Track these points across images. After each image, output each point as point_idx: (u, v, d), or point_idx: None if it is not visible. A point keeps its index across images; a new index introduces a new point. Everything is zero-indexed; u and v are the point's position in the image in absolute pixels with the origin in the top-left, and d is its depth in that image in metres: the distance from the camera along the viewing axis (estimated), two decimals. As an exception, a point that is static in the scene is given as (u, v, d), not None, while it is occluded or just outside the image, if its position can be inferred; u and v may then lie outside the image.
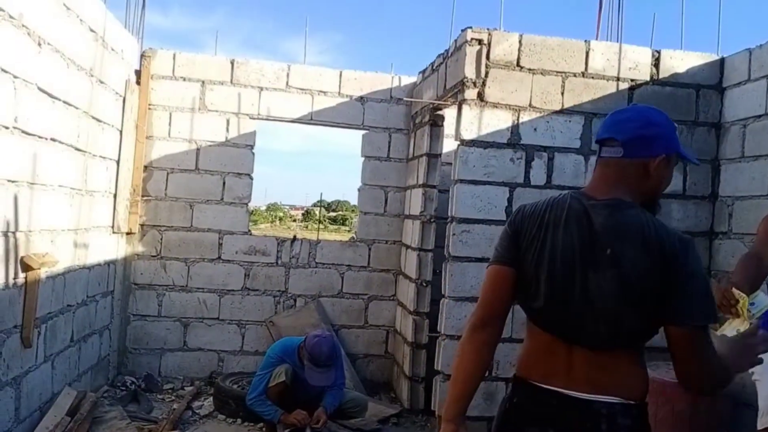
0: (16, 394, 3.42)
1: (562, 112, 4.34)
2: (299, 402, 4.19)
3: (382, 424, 4.82)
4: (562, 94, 4.35)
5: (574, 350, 1.65)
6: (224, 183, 5.83)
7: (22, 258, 3.41)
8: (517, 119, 4.28)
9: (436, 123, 5.19)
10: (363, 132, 5.99)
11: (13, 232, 3.33)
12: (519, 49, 4.25)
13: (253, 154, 5.90)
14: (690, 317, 1.54)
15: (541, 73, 4.30)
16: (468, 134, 4.19)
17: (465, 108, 4.19)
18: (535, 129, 4.28)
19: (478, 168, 4.20)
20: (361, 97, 5.93)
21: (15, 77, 3.26)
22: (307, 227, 31.90)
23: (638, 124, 1.66)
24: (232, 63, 5.82)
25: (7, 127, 3.20)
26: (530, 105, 4.30)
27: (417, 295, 5.25)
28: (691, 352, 1.56)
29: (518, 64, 4.25)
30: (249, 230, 5.99)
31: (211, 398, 4.97)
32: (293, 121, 5.93)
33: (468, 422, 4.33)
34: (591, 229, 1.63)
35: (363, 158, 6.02)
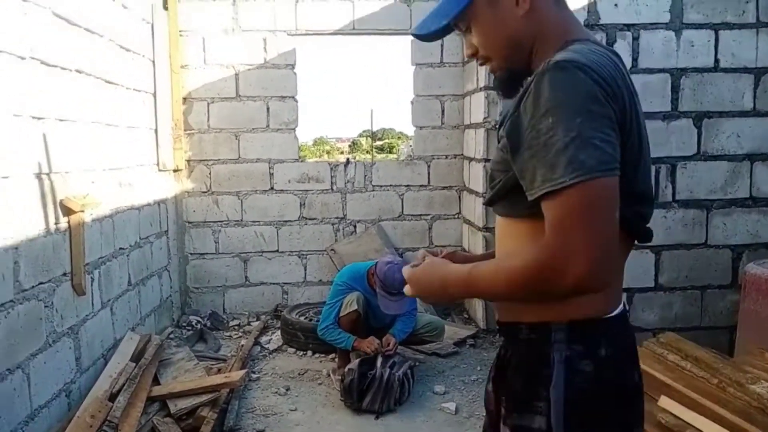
0: (74, 343, 3.25)
1: (646, -19, 3.71)
2: (372, 330, 3.97)
3: (458, 347, 4.55)
4: (646, -40, 3.71)
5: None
6: (268, 108, 5.45)
7: (61, 201, 3.16)
8: (594, -4, 3.68)
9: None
10: (412, 37, 5.43)
11: (47, 174, 3.06)
12: None
13: (295, 74, 5.47)
14: None
15: (619, -63, 3.65)
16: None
17: (531, -13, 3.60)
18: (615, 5, 3.68)
19: (550, 57, 3.65)
20: (407, -3, 5.35)
21: (23, 0, 2.89)
22: (355, 158, 31.60)
23: None
24: (263, -26, 5.30)
25: (22, 58, 2.87)
26: (608, -23, 3.68)
27: (486, 210, 4.84)
28: None
29: (591, -72, 3.62)
30: (299, 157, 5.64)
31: (279, 332, 4.79)
32: (334, 33, 5.42)
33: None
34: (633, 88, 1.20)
35: (414, 66, 5.50)
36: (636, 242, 1.25)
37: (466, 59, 5.29)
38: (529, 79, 1.16)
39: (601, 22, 3.67)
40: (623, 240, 1.14)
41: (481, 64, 1.32)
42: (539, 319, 1.18)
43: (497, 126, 1.36)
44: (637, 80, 3.75)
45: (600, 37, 3.71)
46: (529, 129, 1.08)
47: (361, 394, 3.50)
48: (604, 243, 1.03)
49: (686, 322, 4.22)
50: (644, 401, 1.25)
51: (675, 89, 3.82)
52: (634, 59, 3.68)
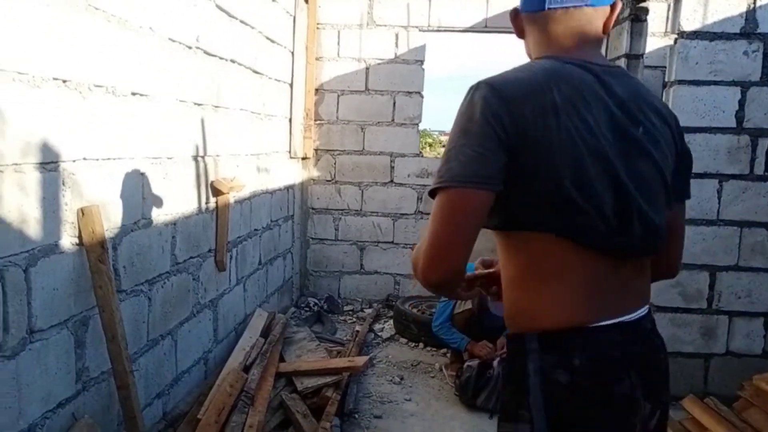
0: (213, 315, 3.50)
1: (814, -12, 3.44)
2: (485, 330, 3.96)
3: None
4: (816, -35, 3.43)
5: (624, 265, 1.24)
6: (394, 103, 5.56)
7: (212, 182, 3.40)
8: (754, 2, 3.46)
9: (639, 17, 4.43)
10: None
11: (202, 157, 3.31)
12: None
13: (423, 70, 5.54)
14: (689, 191, 1.40)
15: (789, -60, 3.40)
16: (689, 24, 3.47)
17: (686, -8, 3.45)
18: (777, 12, 3.44)
19: (701, 65, 3.49)
20: (543, -3, 5.26)
21: (193, -6, 3.13)
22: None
23: None
24: (400, -30, 5.40)
25: (189, 47, 3.11)
26: (772, -18, 3.45)
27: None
28: (683, 228, 1.44)
29: (759, -70, 3.40)
30: (420, 152, 5.72)
31: (391, 321, 4.91)
32: (466, 30, 5.44)
33: (681, 359, 3.84)
34: (617, 103, 1.22)
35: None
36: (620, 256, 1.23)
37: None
38: None
39: (758, 30, 3.44)
40: (573, 249, 1.18)
41: None
42: (517, 330, 1.25)
43: None
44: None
45: (757, 46, 3.48)
46: None
47: (477, 391, 3.54)
48: (442, 244, 1.14)
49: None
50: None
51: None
52: (793, 73, 3.44)
